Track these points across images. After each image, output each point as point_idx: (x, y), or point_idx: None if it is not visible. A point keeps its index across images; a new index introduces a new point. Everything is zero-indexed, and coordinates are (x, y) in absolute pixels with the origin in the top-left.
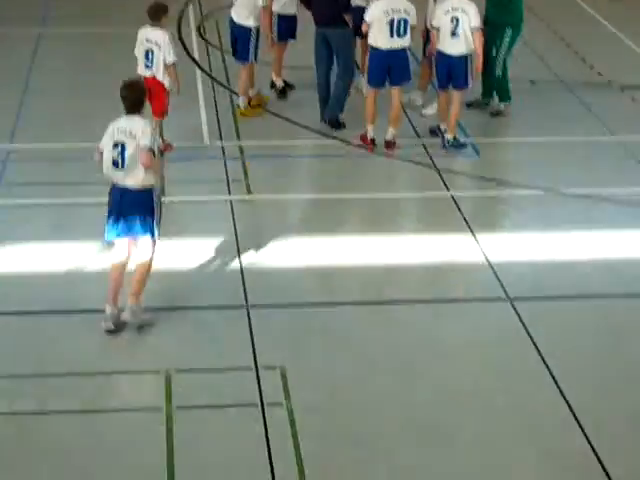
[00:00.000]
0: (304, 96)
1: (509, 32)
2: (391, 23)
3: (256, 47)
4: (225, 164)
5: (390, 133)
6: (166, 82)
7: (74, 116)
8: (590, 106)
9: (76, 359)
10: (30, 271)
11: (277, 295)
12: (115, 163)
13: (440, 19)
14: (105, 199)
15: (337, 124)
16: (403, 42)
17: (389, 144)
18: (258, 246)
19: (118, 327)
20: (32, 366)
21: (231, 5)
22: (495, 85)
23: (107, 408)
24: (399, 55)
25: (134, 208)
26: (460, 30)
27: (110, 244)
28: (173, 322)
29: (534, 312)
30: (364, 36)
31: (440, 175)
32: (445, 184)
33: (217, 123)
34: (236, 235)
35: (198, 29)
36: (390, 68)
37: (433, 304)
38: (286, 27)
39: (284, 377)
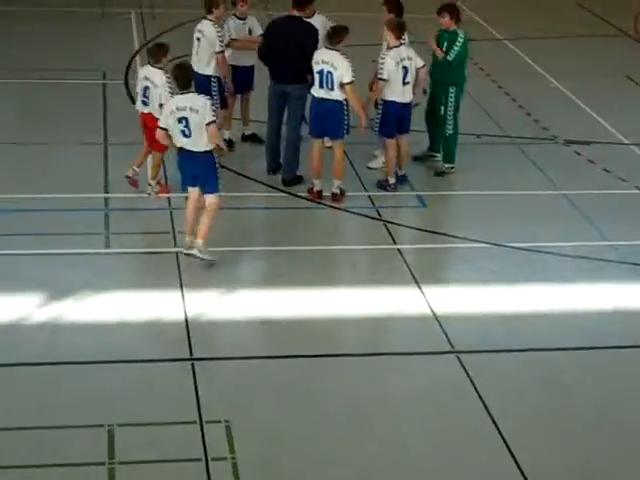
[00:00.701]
0: (251, 148)
1: (453, 90)
2: (320, 74)
3: (221, 93)
4: (171, 215)
5: (335, 185)
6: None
7: (18, 167)
8: (535, 160)
9: (14, 412)
10: None
11: (222, 348)
12: (183, 133)
13: (391, 70)
14: (48, 250)
15: (296, 181)
16: (332, 94)
17: (335, 196)
18: (204, 298)
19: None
20: None
21: (176, 58)
22: (443, 144)
23: (48, 463)
24: (331, 107)
25: (201, 168)
26: (409, 78)
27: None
28: (117, 375)
29: (480, 365)
30: None
31: (386, 227)
32: (391, 236)
33: (164, 173)
34: (182, 287)
35: None
36: (326, 120)
37: (380, 357)
38: (241, 79)
39: (229, 431)
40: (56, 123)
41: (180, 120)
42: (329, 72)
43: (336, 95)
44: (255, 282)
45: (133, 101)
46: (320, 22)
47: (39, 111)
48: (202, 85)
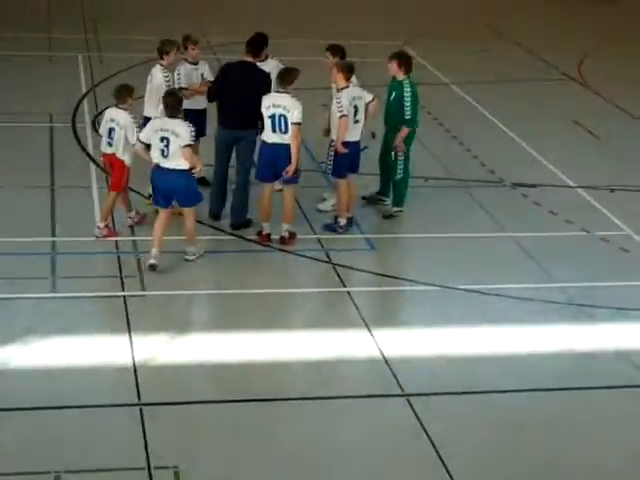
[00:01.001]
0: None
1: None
2: (272, 118)
3: None
4: (119, 259)
5: (284, 229)
6: (125, 159)
7: None
8: (482, 203)
9: None
10: None
11: (171, 393)
12: (162, 152)
13: (346, 108)
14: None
15: (245, 225)
16: (285, 138)
17: (283, 239)
18: (152, 343)
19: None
20: None
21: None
22: (393, 187)
23: None
24: (285, 152)
25: (176, 184)
26: (359, 116)
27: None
28: (64, 421)
29: (430, 408)
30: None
31: (335, 270)
32: (341, 279)
33: (111, 217)
34: (129, 331)
35: (93, 123)
36: (278, 165)
37: (329, 400)
38: (194, 123)
39: (177, 477)
40: (2, 166)
41: (162, 139)
42: (282, 115)
43: (288, 139)
44: (204, 325)
45: (80, 144)
46: (273, 66)
47: None
48: None
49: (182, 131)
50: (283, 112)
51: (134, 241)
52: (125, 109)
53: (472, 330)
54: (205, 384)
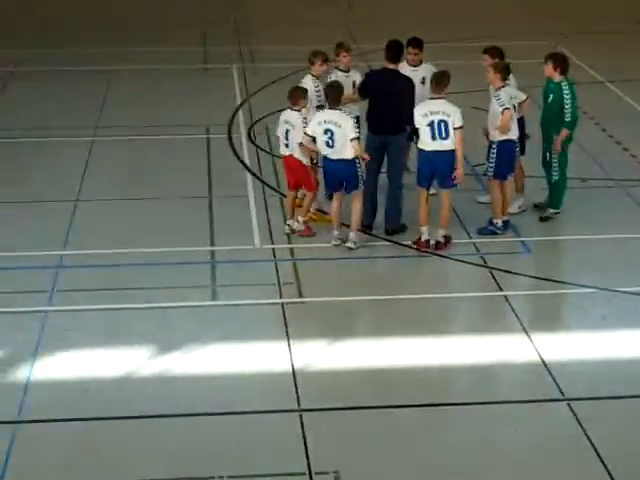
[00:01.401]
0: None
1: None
2: (431, 125)
3: None
4: (276, 267)
5: (440, 234)
6: (303, 159)
7: (123, 224)
8: None
9: (127, 465)
10: (84, 377)
11: (330, 399)
12: (327, 144)
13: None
14: (155, 303)
15: (400, 230)
16: (445, 144)
17: (439, 244)
18: (310, 349)
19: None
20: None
21: (279, 111)
22: (550, 189)
23: None
24: (446, 158)
25: (343, 173)
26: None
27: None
28: (225, 427)
29: (591, 413)
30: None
31: (492, 274)
32: (497, 283)
33: (268, 226)
34: (288, 338)
35: (248, 134)
36: (438, 171)
37: (489, 406)
38: None
39: None
40: (161, 177)
41: (326, 132)
42: (441, 121)
43: (449, 145)
44: (361, 331)
45: (237, 155)
46: (427, 70)
47: (145, 167)
48: None
49: (345, 123)
50: (443, 117)
51: (291, 249)
52: (299, 110)
53: (633, 333)
54: (363, 389)
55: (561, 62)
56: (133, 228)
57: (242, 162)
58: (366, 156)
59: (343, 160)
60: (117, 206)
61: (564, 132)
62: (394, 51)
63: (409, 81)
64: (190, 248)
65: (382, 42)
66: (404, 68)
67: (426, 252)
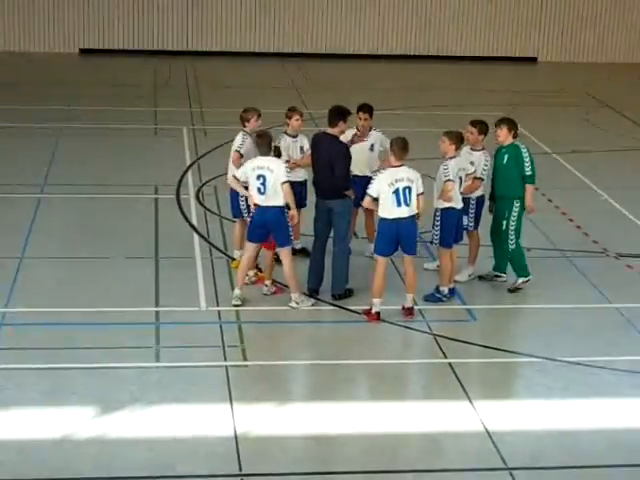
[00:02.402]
0: (301, 262)
1: (517, 204)
2: (396, 193)
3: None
4: (221, 329)
5: (409, 300)
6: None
7: (67, 282)
8: (586, 273)
9: None
10: (22, 438)
11: (272, 464)
12: (259, 190)
13: (455, 175)
14: (98, 363)
15: (345, 295)
16: (408, 210)
17: (412, 310)
18: (253, 413)
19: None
20: None
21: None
22: (511, 260)
23: None
24: (409, 225)
25: (273, 223)
26: (461, 188)
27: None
28: None
29: None
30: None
31: (437, 341)
32: (442, 351)
33: (214, 288)
34: (231, 401)
35: (197, 195)
36: (401, 239)
37: (432, 473)
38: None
39: None
40: (108, 236)
41: (259, 177)
42: (406, 187)
43: (410, 211)
44: (306, 396)
45: (184, 216)
46: (376, 138)
47: (92, 226)
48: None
49: (276, 167)
50: (408, 184)
51: (237, 311)
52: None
53: (578, 403)
54: (306, 454)
55: (514, 125)
56: (78, 287)
57: (190, 223)
58: (293, 212)
59: (272, 207)
60: (62, 264)
61: (530, 188)
62: (333, 115)
63: (345, 147)
64: (135, 309)
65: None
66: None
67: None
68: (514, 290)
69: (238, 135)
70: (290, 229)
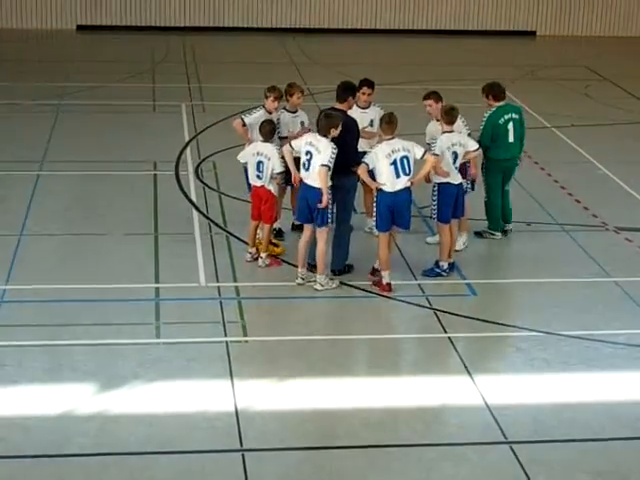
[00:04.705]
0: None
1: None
2: (394, 164)
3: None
4: (221, 305)
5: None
6: (272, 189)
7: (67, 259)
8: (586, 248)
9: None
10: (24, 414)
11: (273, 439)
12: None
13: (443, 151)
14: (99, 340)
15: (345, 270)
16: (406, 180)
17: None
18: (253, 389)
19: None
20: None
21: (227, 149)
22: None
23: None
24: (406, 198)
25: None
26: (458, 162)
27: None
28: (166, 466)
29: (534, 456)
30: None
31: (437, 316)
32: (442, 325)
33: (214, 264)
34: (231, 377)
35: (196, 171)
36: (399, 212)
37: (432, 447)
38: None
39: None
40: (108, 213)
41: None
42: (404, 157)
43: (407, 181)
44: (305, 372)
45: (183, 192)
46: (375, 112)
47: (92, 203)
48: None
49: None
50: (404, 153)
51: (236, 287)
52: (271, 142)
53: (576, 377)
54: (307, 430)
55: (489, 89)
56: (77, 263)
57: (189, 199)
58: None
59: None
60: (62, 241)
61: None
62: (343, 91)
63: (354, 123)
64: (135, 285)
65: (329, 82)
66: (354, 110)
67: (372, 293)
68: (478, 234)
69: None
70: (329, 210)
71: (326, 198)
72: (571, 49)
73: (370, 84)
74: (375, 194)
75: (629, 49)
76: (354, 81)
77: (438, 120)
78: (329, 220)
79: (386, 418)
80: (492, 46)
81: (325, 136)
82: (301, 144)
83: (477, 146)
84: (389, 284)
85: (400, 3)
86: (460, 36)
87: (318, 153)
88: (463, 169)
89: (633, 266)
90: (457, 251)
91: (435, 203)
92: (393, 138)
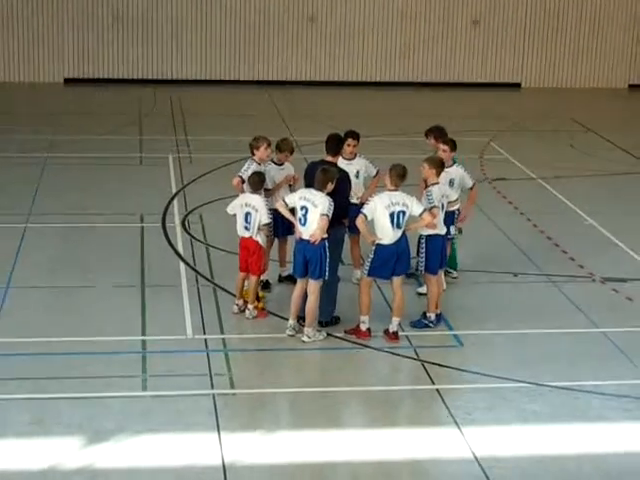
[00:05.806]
0: (288, 289)
1: None
2: (392, 216)
3: None
4: (208, 357)
5: (395, 324)
6: (260, 240)
7: (54, 311)
8: (573, 299)
9: None
10: (7, 469)
11: None
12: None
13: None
14: (85, 394)
15: (333, 322)
16: (400, 233)
17: (395, 335)
18: (241, 442)
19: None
20: None
21: (214, 201)
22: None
23: None
24: (404, 247)
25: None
26: (443, 213)
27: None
28: None
29: None
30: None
31: (424, 367)
32: (430, 376)
33: (201, 316)
34: (219, 430)
35: (183, 223)
36: (396, 262)
37: None
38: (281, 223)
39: None
40: (94, 265)
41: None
42: (401, 212)
43: (401, 232)
44: (293, 424)
45: (170, 244)
46: (361, 164)
47: (78, 255)
48: None
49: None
50: (402, 209)
51: (223, 339)
52: (259, 194)
53: (565, 428)
54: None
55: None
56: (64, 316)
57: (176, 251)
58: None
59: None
60: (48, 293)
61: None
62: (334, 144)
63: (346, 175)
64: (121, 337)
65: (316, 135)
66: (339, 161)
67: (358, 344)
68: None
69: (247, 161)
70: (326, 263)
71: (319, 236)
72: (556, 100)
73: (355, 135)
74: (373, 248)
75: (613, 101)
76: (340, 132)
77: (450, 166)
78: (325, 274)
79: (376, 471)
80: (476, 98)
81: (321, 190)
82: (295, 199)
83: (457, 196)
84: (369, 329)
85: (386, 55)
86: (445, 88)
87: (314, 207)
88: (450, 217)
89: (620, 317)
90: (421, 294)
91: (423, 255)
92: (397, 190)
